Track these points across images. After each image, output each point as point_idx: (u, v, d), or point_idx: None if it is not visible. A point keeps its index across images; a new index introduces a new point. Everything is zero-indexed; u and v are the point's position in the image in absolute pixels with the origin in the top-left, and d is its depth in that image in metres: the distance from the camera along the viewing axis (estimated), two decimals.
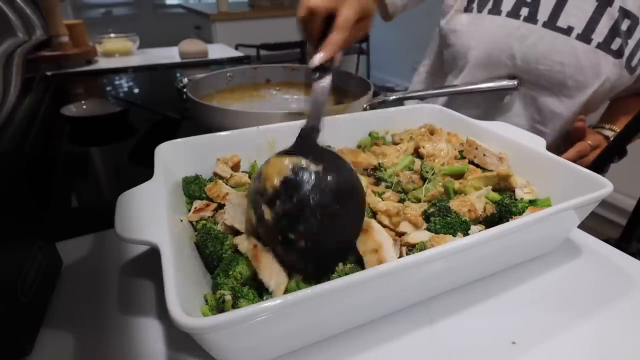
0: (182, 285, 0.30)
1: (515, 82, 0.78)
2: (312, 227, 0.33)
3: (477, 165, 0.55)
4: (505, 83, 0.78)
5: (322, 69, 0.52)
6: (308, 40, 0.56)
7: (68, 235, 0.51)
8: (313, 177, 0.34)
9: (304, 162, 0.35)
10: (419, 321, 0.39)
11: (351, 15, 0.52)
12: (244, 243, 0.38)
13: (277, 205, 0.34)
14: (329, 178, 0.34)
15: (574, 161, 0.75)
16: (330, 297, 0.30)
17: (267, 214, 0.34)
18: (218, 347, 0.30)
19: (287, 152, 0.37)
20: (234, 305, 0.34)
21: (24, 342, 0.35)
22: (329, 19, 0.53)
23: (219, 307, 0.34)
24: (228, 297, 0.34)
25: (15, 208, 0.37)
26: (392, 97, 0.76)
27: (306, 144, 0.40)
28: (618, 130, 0.80)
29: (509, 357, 0.35)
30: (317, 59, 0.51)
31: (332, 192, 0.34)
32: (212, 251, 0.39)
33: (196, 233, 0.42)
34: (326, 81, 0.50)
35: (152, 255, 0.46)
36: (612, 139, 0.80)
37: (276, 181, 0.34)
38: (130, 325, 0.39)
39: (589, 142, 0.77)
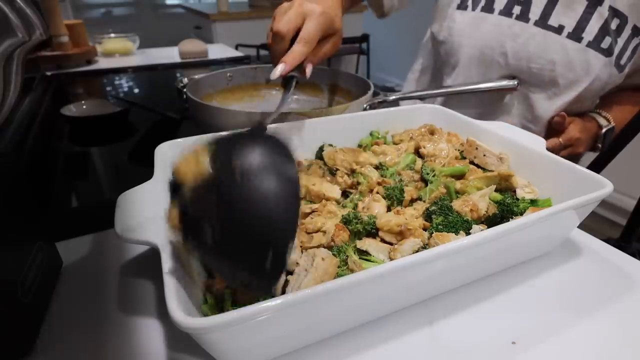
0: (182, 286, 0.30)
1: (515, 82, 0.78)
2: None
3: (478, 166, 0.55)
4: (505, 83, 0.78)
5: (287, 80, 0.55)
6: (273, 62, 0.58)
7: (68, 235, 0.50)
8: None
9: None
10: (419, 321, 0.39)
11: (313, 29, 0.55)
12: None
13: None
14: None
15: None
16: (330, 297, 0.30)
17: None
18: (218, 347, 0.30)
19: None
20: (233, 304, 0.34)
21: (24, 342, 0.35)
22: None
23: (218, 306, 0.34)
24: (227, 296, 0.34)
25: (16, 208, 0.37)
26: (392, 97, 0.76)
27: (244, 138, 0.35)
28: (611, 119, 0.81)
29: (509, 357, 0.35)
30: (278, 71, 0.54)
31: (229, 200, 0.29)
32: None
33: None
34: (287, 94, 0.53)
35: (152, 255, 0.46)
36: (609, 141, 0.80)
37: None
38: (130, 325, 0.39)
39: (561, 139, 0.77)
